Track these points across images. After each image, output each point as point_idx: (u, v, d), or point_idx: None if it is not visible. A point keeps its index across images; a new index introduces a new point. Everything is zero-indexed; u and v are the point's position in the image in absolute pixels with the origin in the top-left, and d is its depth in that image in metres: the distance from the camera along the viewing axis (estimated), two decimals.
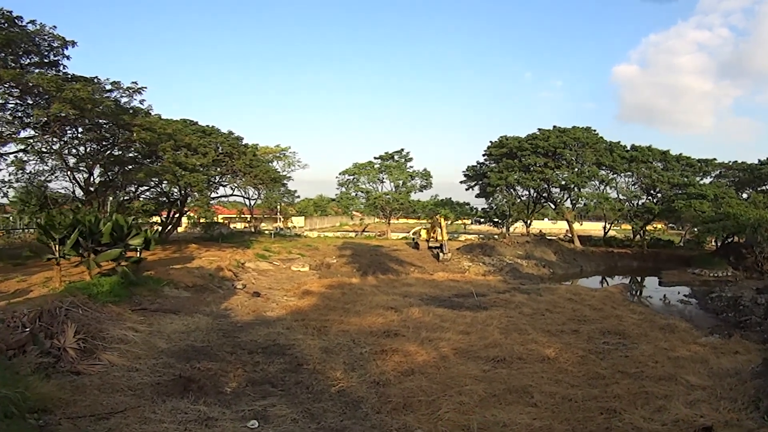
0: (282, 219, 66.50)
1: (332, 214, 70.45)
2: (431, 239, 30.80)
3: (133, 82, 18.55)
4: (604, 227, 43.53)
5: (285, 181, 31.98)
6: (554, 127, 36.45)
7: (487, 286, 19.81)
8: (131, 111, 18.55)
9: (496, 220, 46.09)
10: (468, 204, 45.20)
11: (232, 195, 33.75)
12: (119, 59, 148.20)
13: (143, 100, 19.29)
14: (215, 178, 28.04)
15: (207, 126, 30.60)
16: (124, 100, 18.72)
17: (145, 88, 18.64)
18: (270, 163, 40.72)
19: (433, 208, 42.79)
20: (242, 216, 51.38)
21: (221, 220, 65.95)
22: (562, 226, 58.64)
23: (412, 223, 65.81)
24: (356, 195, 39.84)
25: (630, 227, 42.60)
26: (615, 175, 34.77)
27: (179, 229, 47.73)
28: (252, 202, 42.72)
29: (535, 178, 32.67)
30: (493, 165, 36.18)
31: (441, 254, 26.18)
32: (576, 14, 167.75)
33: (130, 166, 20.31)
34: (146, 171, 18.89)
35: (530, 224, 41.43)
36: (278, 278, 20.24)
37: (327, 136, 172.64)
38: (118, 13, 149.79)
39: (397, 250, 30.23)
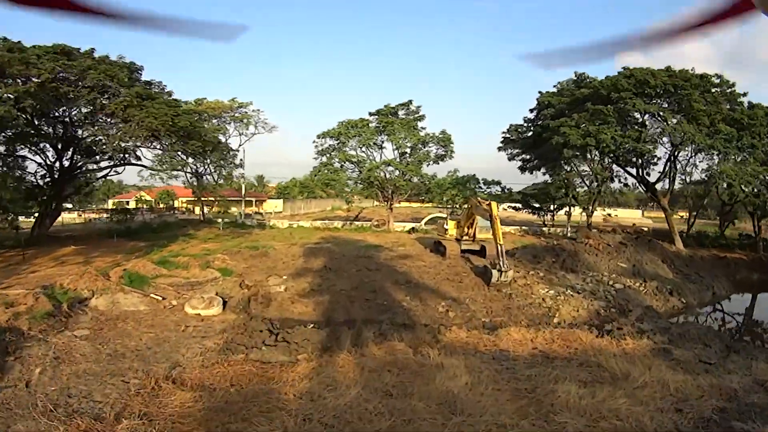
0: (255, 203, 53.74)
1: (323, 196, 57.46)
2: (465, 237, 18.38)
3: None
4: (689, 221, 31.45)
5: (214, 139, 18.85)
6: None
7: (661, 396, 7.43)
8: None
9: (536, 205, 33.69)
10: (498, 182, 32.49)
11: (122, 164, 20.74)
12: None
13: None
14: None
15: (85, 51, 17.66)
16: None
17: None
18: (220, 120, 27.88)
19: (451, 188, 30.11)
20: (209, 199, 37.24)
21: (183, 205, 52.80)
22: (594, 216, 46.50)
23: (416, 208, 51.79)
24: (342, 166, 26.57)
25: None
26: (755, 141, 21.55)
27: (104, 217, 35.14)
28: (203, 180, 30.06)
29: (643, 137, 19.49)
30: (562, 119, 22.26)
31: (495, 272, 13.67)
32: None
33: None
34: None
35: (593, 212, 28.97)
36: (125, 349, 7.91)
37: (331, 119, 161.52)
38: None
39: (407, 256, 17.89)
